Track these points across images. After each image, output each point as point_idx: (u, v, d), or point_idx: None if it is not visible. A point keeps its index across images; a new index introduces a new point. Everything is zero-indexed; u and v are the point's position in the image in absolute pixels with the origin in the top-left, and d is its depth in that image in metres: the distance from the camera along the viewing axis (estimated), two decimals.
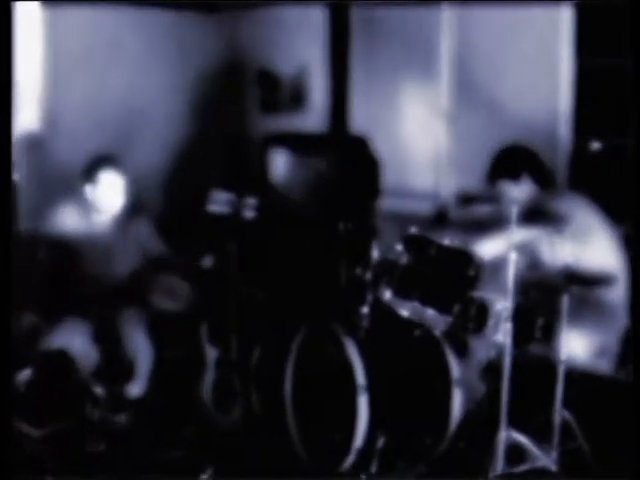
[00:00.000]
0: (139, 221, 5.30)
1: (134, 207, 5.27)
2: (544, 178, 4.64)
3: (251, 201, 5.11)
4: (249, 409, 4.85)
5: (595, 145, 5.51)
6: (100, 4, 6.44)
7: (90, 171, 5.13)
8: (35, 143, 6.47)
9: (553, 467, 4.02)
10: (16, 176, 5.74)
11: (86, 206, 5.15)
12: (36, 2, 6.27)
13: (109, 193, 5.12)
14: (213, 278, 5.18)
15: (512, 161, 4.64)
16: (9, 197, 3.47)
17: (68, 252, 5.07)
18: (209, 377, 4.92)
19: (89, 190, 5.11)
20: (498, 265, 4.11)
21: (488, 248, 4.23)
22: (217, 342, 4.96)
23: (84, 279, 5.08)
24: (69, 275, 5.09)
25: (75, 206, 5.17)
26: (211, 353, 4.95)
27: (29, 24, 6.32)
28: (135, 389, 4.94)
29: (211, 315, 5.12)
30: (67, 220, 5.13)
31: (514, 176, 4.57)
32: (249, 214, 5.13)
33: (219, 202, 5.18)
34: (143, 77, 6.98)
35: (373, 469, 4.19)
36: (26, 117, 6.45)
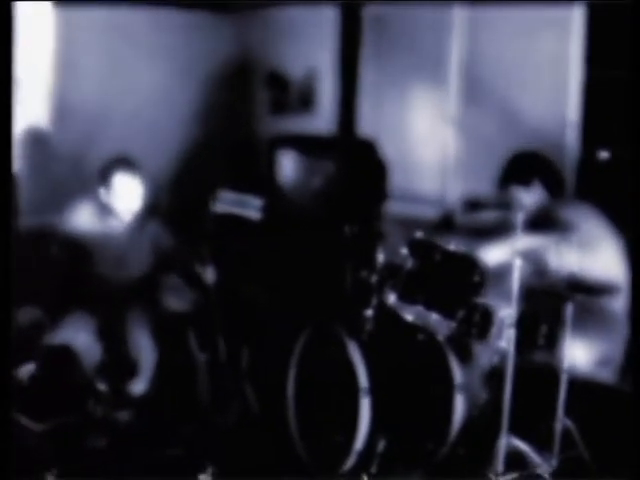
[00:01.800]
0: (153, 222, 5.28)
1: (149, 209, 5.25)
2: (555, 185, 4.64)
3: (258, 202, 5.10)
4: (246, 409, 4.86)
5: (603, 154, 5.50)
6: (113, 2, 6.45)
7: (105, 174, 5.09)
8: (42, 138, 6.48)
9: (547, 475, 4.02)
10: (18, 170, 5.77)
11: (102, 207, 5.13)
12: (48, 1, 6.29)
13: (124, 197, 5.09)
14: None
15: (524, 167, 4.65)
16: (10, 193, 3.47)
17: (80, 251, 5.06)
18: (202, 380, 4.93)
19: (104, 193, 5.09)
20: (503, 272, 4.10)
21: (493, 254, 4.23)
22: (205, 346, 4.97)
23: (93, 278, 5.08)
24: (79, 273, 5.09)
25: (91, 206, 5.14)
26: (201, 357, 4.96)
27: (40, 20, 6.33)
28: (138, 387, 4.94)
29: (198, 320, 5.13)
30: (82, 219, 5.11)
31: (526, 182, 4.57)
32: (255, 215, 5.13)
33: (226, 202, 5.19)
34: (153, 75, 6.98)
35: (373, 472, 4.20)
36: (34, 112, 6.46)
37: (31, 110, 6.40)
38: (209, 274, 5.11)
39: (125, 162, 5.13)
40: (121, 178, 5.06)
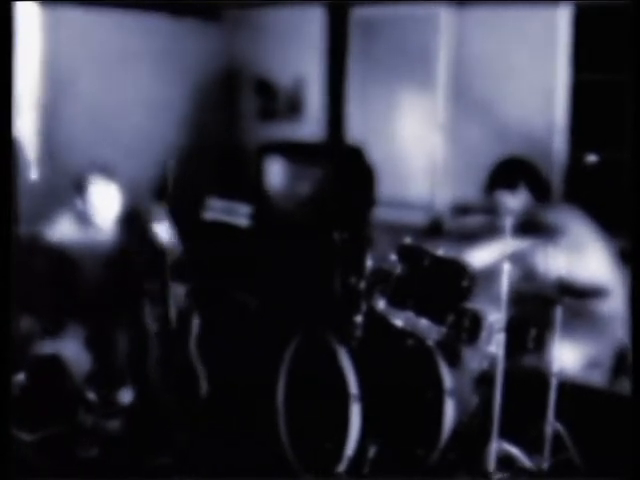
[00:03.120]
0: (143, 221, 5.20)
1: (130, 215, 5.22)
2: (540, 190, 4.66)
3: (246, 209, 5.08)
4: (195, 389, 4.85)
5: (591, 158, 5.52)
6: (97, 8, 6.44)
7: (80, 182, 5.06)
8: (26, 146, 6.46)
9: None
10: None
11: (80, 216, 5.10)
12: (35, 4, 6.26)
13: (99, 203, 5.06)
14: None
15: (510, 172, 4.66)
16: (9, 201, 3.46)
17: (63, 261, 5.03)
18: (153, 354, 4.89)
19: (79, 202, 5.06)
20: (492, 276, 4.11)
21: (479, 256, 4.24)
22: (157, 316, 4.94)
23: (79, 287, 5.06)
24: (64, 282, 5.06)
25: (70, 216, 5.12)
26: (153, 327, 4.92)
27: (28, 28, 6.32)
28: (127, 396, 4.93)
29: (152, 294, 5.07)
30: (62, 230, 5.08)
31: (511, 186, 4.59)
32: (244, 222, 5.12)
33: (215, 209, 5.17)
34: (140, 81, 6.97)
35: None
36: (24, 124, 6.44)
37: (21, 122, 6.38)
38: (164, 233, 5.02)
39: (99, 169, 5.09)
40: (96, 186, 5.03)
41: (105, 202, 5.05)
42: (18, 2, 3.57)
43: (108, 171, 5.07)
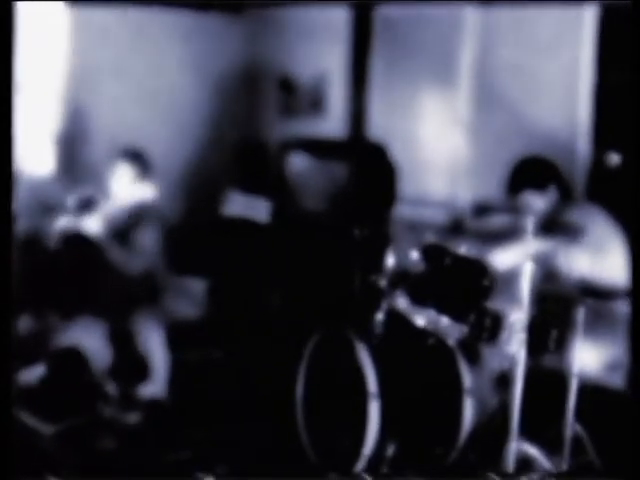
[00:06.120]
0: (149, 223, 5.26)
1: (147, 208, 5.25)
2: (567, 190, 4.64)
3: (267, 204, 5.10)
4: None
5: (614, 158, 5.49)
6: (125, 3, 6.46)
7: (110, 165, 5.15)
8: (61, 143, 6.51)
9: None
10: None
11: (106, 204, 5.15)
12: (61, 3, 6.31)
13: (120, 185, 5.13)
14: None
15: (538, 171, 4.63)
16: (9, 196, 3.46)
17: (90, 244, 5.07)
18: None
19: (108, 182, 5.15)
20: (513, 276, 4.10)
21: (504, 258, 4.21)
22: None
23: (101, 275, 5.08)
24: (88, 271, 5.09)
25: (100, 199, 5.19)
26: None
27: (54, 23, 6.36)
28: (149, 389, 4.94)
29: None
30: (92, 212, 5.13)
31: (541, 186, 4.56)
32: (265, 217, 5.12)
33: (235, 204, 5.18)
34: (163, 77, 6.99)
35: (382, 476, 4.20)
36: (50, 118, 6.48)
37: (47, 117, 6.43)
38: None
39: (126, 152, 5.16)
40: (119, 168, 5.10)
41: (124, 184, 5.11)
42: (18, 2, 3.56)
43: (132, 156, 5.14)
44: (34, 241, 5.15)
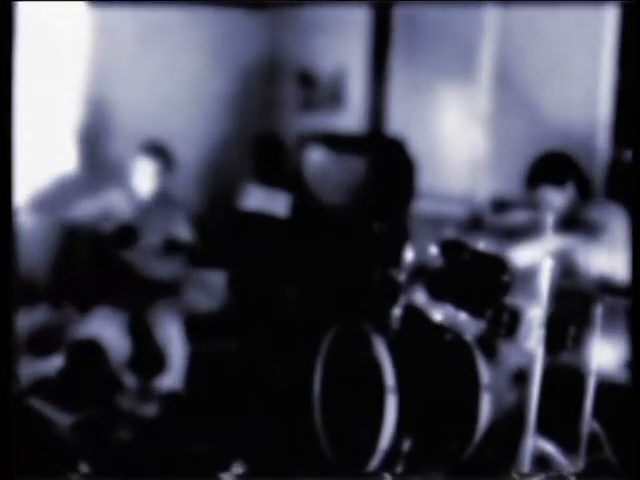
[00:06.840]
0: (172, 212, 5.30)
1: (166, 198, 5.28)
2: (586, 186, 4.63)
3: (286, 198, 5.11)
4: None
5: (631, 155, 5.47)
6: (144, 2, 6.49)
7: (131, 158, 5.19)
8: (85, 137, 6.54)
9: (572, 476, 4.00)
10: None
11: (129, 191, 5.20)
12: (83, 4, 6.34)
13: (140, 178, 5.16)
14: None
15: (557, 167, 4.62)
16: (10, 192, 3.48)
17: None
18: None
19: (130, 175, 5.19)
20: (532, 272, 4.09)
21: (523, 255, 4.21)
22: None
23: (120, 268, 5.11)
24: (108, 263, 5.12)
25: (122, 191, 5.22)
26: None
27: (74, 22, 6.38)
28: (167, 382, 4.96)
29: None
30: (113, 204, 5.17)
31: (559, 182, 4.55)
32: (283, 211, 5.13)
33: (254, 197, 5.19)
34: (184, 71, 7.01)
35: (398, 471, 4.20)
36: (72, 115, 6.51)
37: (71, 112, 6.46)
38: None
39: (146, 145, 5.20)
40: (140, 161, 5.13)
41: (144, 177, 5.15)
42: (20, 2, 3.57)
43: (152, 149, 5.17)
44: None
